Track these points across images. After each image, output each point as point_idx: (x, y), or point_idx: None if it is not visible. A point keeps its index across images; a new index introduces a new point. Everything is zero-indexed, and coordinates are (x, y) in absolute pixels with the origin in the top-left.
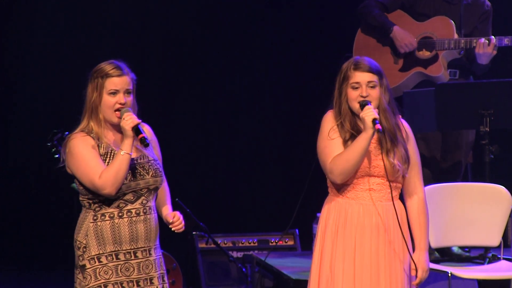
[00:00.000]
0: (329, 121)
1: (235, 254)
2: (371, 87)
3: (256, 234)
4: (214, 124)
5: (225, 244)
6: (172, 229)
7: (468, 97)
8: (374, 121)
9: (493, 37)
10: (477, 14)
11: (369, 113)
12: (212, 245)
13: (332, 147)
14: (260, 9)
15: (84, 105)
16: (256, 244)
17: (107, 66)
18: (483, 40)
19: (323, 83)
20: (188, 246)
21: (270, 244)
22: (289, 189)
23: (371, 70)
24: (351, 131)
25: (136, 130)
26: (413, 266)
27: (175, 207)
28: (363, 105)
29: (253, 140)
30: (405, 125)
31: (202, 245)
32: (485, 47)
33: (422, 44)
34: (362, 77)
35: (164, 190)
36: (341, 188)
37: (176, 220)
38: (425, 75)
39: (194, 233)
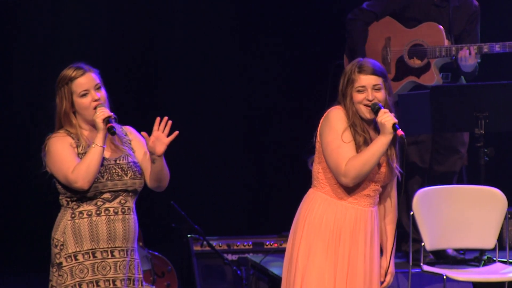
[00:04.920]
0: (341, 119)
1: (230, 257)
2: (376, 89)
3: (251, 236)
4: (209, 126)
5: (220, 246)
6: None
7: (463, 99)
8: (394, 126)
9: (473, 47)
10: (466, 16)
11: (388, 118)
12: (207, 248)
13: (346, 149)
14: (255, 9)
15: (55, 116)
16: (251, 246)
17: (68, 71)
18: (463, 51)
19: (322, 87)
20: (183, 249)
21: (265, 246)
22: (283, 191)
23: (376, 72)
24: (364, 135)
25: (107, 122)
26: (383, 272)
27: (170, 210)
28: (376, 109)
29: (248, 144)
30: None
31: (197, 248)
32: (466, 60)
33: (413, 52)
34: (367, 80)
35: None
36: (341, 190)
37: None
38: (418, 84)
39: (189, 236)
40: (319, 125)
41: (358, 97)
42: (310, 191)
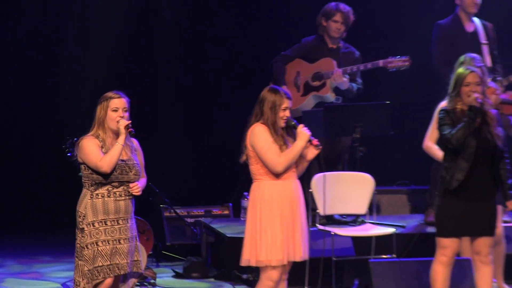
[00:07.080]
0: (264, 131)
1: (189, 220)
2: (287, 109)
3: (203, 206)
4: (191, 119)
5: (182, 213)
6: (131, 192)
7: (345, 114)
8: (309, 137)
9: (349, 68)
10: (351, 60)
11: (305, 132)
12: (173, 214)
13: (273, 150)
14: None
15: (94, 119)
16: (203, 213)
17: (110, 93)
18: (334, 75)
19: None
20: (157, 215)
21: (212, 213)
22: (227, 173)
23: (290, 97)
24: (281, 138)
25: (127, 128)
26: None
27: (148, 188)
28: (292, 124)
29: (209, 135)
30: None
31: (166, 214)
32: (335, 79)
33: (315, 77)
34: (288, 103)
35: (141, 179)
36: (279, 174)
37: (133, 186)
38: (318, 96)
39: (161, 206)
40: (247, 138)
41: (281, 113)
42: (254, 184)
